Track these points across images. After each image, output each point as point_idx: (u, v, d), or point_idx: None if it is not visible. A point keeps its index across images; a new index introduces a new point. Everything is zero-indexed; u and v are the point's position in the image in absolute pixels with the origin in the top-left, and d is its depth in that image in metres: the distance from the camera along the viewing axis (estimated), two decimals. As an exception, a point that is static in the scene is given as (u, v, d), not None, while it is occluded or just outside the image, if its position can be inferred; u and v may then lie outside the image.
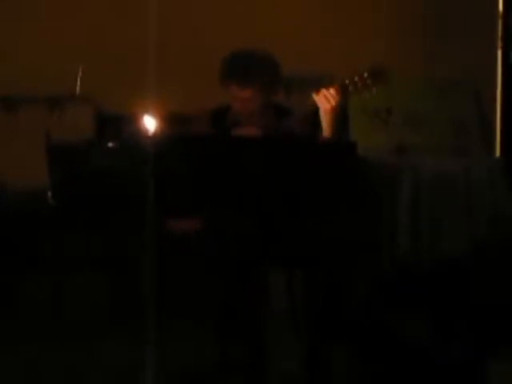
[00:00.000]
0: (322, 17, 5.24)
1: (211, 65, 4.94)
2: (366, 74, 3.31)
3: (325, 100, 3.32)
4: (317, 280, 3.35)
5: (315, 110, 3.38)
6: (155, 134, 3.81)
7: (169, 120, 3.90)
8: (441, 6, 5.35)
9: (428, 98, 5.29)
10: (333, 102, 3.29)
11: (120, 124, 4.45)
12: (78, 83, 4.49)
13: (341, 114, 3.39)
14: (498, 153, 5.55)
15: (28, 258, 4.42)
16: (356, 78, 3.31)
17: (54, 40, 4.86)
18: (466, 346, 3.67)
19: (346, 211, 2.99)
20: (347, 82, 3.32)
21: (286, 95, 4.58)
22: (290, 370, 3.45)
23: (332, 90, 3.31)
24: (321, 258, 3.36)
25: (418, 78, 5.24)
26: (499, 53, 5.54)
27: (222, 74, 3.54)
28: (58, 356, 3.72)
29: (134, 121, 4.10)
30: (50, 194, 4.14)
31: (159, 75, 4.13)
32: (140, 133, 3.99)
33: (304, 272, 3.38)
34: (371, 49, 5.28)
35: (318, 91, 3.34)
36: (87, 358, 3.70)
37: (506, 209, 4.79)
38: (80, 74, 4.48)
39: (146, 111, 4.02)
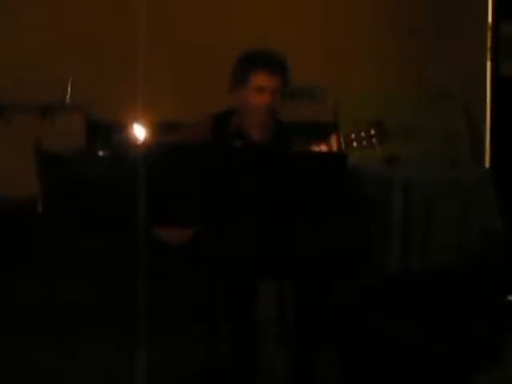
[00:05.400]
0: (316, 26, 5.25)
1: (203, 74, 4.99)
2: (372, 132, 3.25)
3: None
4: (307, 288, 3.35)
5: None
6: (145, 143, 3.81)
7: (164, 128, 3.89)
8: (431, 18, 5.38)
9: (418, 110, 5.32)
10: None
11: (111, 132, 4.45)
12: (69, 91, 4.49)
13: None
14: (487, 164, 5.59)
15: (18, 265, 4.41)
16: (362, 134, 3.25)
17: (45, 48, 4.85)
18: (452, 356, 3.69)
19: (336, 222, 2.99)
20: (353, 136, 3.26)
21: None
22: (278, 377, 3.46)
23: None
24: (310, 268, 3.36)
25: (408, 90, 5.26)
26: (488, 64, 5.57)
27: (246, 64, 3.38)
28: (47, 358, 3.72)
29: (124, 129, 4.10)
30: (40, 202, 4.15)
31: (150, 84, 4.13)
32: (130, 141, 3.99)
33: (294, 281, 3.38)
34: (361, 60, 5.32)
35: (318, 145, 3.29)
36: (77, 361, 3.70)
37: (494, 218, 4.81)
38: (70, 82, 4.49)
39: (137, 120, 4.01)
